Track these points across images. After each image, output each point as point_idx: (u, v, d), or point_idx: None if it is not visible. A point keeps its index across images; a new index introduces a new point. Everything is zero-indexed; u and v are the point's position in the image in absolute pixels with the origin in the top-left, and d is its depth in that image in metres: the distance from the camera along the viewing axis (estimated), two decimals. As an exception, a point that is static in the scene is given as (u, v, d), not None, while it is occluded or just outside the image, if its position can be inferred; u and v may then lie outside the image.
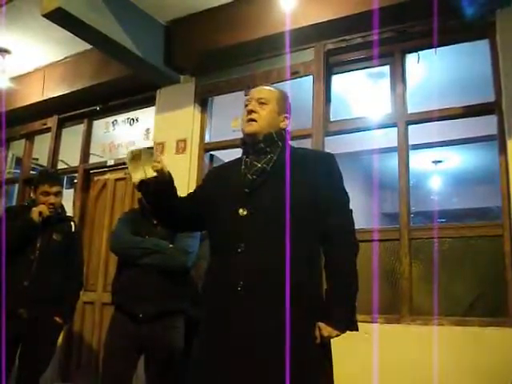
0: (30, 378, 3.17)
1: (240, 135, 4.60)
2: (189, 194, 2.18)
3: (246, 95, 4.35)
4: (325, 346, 1.84)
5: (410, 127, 3.71)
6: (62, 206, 3.44)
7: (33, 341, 3.14)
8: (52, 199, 3.28)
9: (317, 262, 1.92)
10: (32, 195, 3.40)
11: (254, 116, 2.00)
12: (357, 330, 1.84)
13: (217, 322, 1.83)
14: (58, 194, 3.33)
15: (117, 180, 5.18)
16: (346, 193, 1.99)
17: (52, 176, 3.49)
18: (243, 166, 1.99)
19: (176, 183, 3.10)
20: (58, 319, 3.20)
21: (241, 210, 1.87)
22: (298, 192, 1.85)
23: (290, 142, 2.07)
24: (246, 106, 2.05)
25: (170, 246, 2.91)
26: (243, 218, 1.86)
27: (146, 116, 5.13)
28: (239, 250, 1.81)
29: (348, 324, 1.83)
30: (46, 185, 3.29)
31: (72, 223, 3.48)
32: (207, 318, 1.90)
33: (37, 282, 3.15)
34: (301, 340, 1.74)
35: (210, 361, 1.79)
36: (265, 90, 2.10)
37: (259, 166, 1.94)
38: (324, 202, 1.89)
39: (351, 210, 1.97)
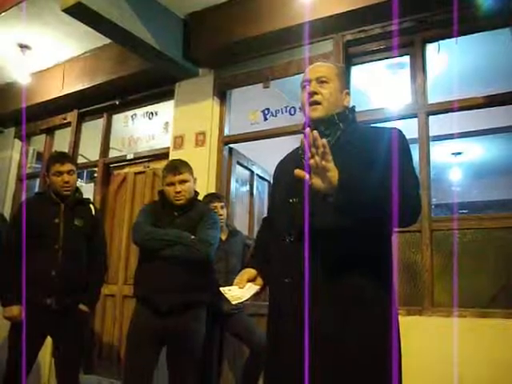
0: (70, 374, 3.19)
1: (259, 128, 4.61)
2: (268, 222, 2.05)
3: (265, 87, 4.38)
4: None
5: (430, 118, 3.67)
6: (78, 189, 3.35)
7: (64, 336, 3.12)
8: (66, 177, 3.18)
9: (378, 259, 1.76)
10: (47, 180, 3.28)
11: (317, 98, 1.82)
12: None
13: (274, 317, 1.79)
14: (71, 172, 3.23)
15: (136, 174, 5.22)
16: (415, 175, 1.71)
17: (61, 155, 3.38)
18: (300, 151, 1.87)
19: (195, 176, 3.14)
20: (83, 307, 3.16)
21: (291, 198, 1.76)
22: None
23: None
24: (304, 87, 1.88)
25: (192, 237, 2.91)
26: (293, 206, 1.74)
27: (165, 109, 5.15)
28: (287, 241, 1.73)
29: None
30: (56, 164, 3.20)
31: (91, 206, 3.38)
32: (269, 311, 1.85)
33: (64, 271, 3.08)
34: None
35: (273, 353, 1.76)
36: (323, 67, 1.90)
37: None
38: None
39: (419, 196, 1.69)
